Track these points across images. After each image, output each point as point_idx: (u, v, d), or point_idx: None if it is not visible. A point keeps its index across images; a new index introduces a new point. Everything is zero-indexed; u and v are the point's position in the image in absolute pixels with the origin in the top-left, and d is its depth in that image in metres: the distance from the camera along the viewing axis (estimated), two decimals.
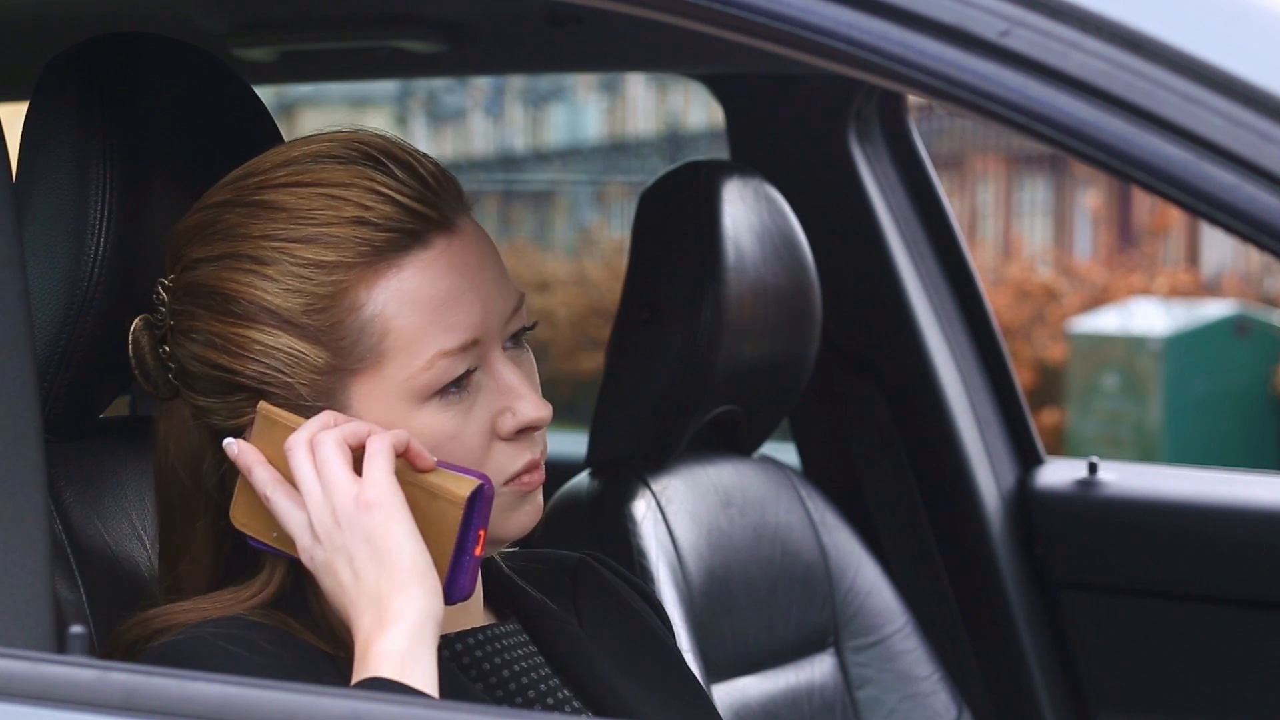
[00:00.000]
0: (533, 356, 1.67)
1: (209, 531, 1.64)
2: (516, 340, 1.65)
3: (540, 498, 1.66)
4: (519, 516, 1.64)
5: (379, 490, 1.53)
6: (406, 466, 1.56)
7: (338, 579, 1.53)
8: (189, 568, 1.64)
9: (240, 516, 1.61)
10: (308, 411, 1.59)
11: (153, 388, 1.67)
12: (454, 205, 1.62)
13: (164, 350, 1.65)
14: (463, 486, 1.56)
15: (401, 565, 1.52)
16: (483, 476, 1.57)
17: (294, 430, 1.57)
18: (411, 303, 1.58)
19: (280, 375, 1.59)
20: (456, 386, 1.60)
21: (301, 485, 1.55)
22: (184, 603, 1.62)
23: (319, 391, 1.59)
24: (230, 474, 1.62)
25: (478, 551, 1.56)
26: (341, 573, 1.53)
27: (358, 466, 1.55)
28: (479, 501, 1.56)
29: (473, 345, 1.60)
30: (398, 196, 1.59)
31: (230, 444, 1.60)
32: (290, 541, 1.57)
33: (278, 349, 1.59)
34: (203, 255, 1.62)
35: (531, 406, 1.62)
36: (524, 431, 1.62)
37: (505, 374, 1.62)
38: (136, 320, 1.66)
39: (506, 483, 1.62)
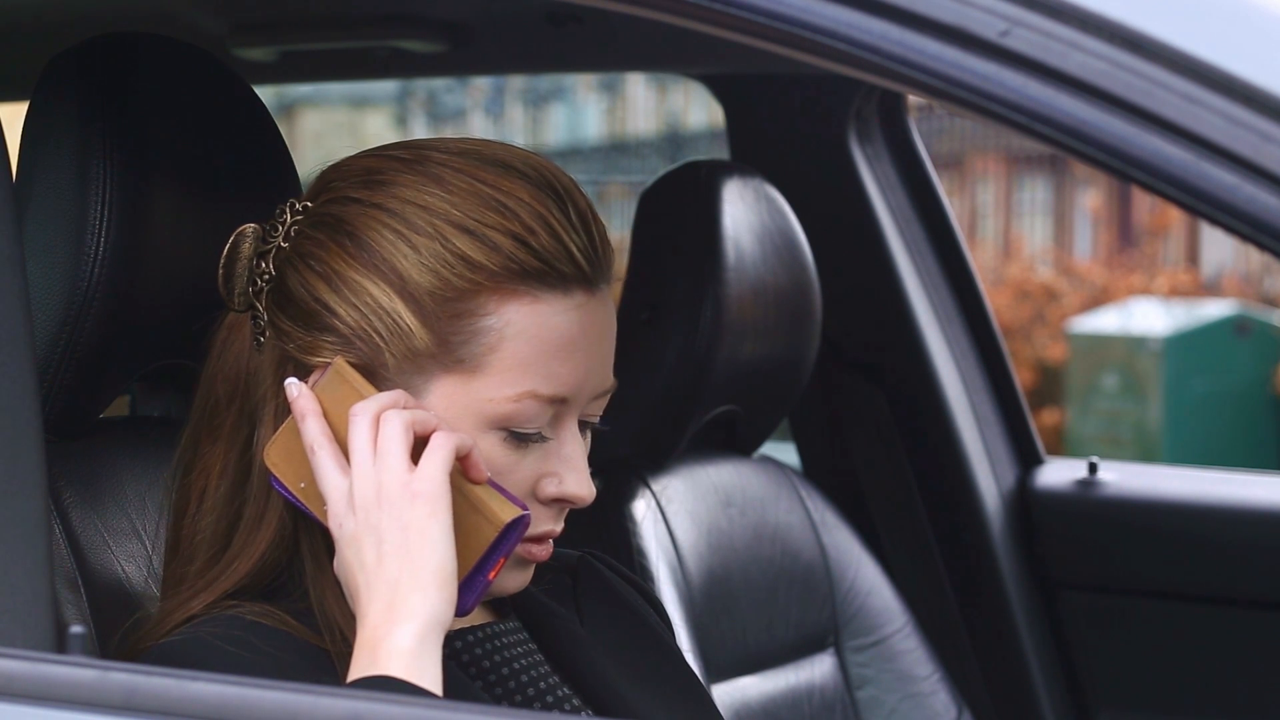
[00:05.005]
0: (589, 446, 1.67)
1: (226, 458, 1.63)
2: (585, 424, 1.65)
3: (532, 571, 1.66)
4: (508, 578, 1.64)
5: (430, 484, 1.52)
6: (458, 472, 1.56)
7: (360, 556, 1.52)
8: (200, 495, 1.63)
9: (274, 456, 1.59)
10: (382, 383, 1.58)
11: (226, 294, 1.65)
12: (605, 272, 1.63)
13: (260, 265, 1.64)
14: (506, 511, 1.56)
15: (428, 564, 1.51)
16: (526, 508, 1.57)
17: (361, 397, 1.56)
18: (531, 335, 1.58)
19: (375, 336, 1.58)
20: (530, 430, 1.60)
21: (354, 454, 1.54)
22: (179, 596, 1.61)
23: (404, 370, 1.58)
24: (269, 409, 1.61)
25: (491, 576, 1.57)
26: (366, 551, 1.52)
27: (412, 454, 1.54)
28: (515, 530, 1.56)
29: (560, 401, 1.60)
30: (564, 236, 1.59)
31: (291, 384, 1.58)
32: (316, 498, 1.56)
33: (386, 312, 1.58)
34: (359, 196, 1.61)
35: (578, 483, 1.62)
36: (559, 501, 1.63)
37: (569, 442, 1.63)
38: (247, 225, 1.65)
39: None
